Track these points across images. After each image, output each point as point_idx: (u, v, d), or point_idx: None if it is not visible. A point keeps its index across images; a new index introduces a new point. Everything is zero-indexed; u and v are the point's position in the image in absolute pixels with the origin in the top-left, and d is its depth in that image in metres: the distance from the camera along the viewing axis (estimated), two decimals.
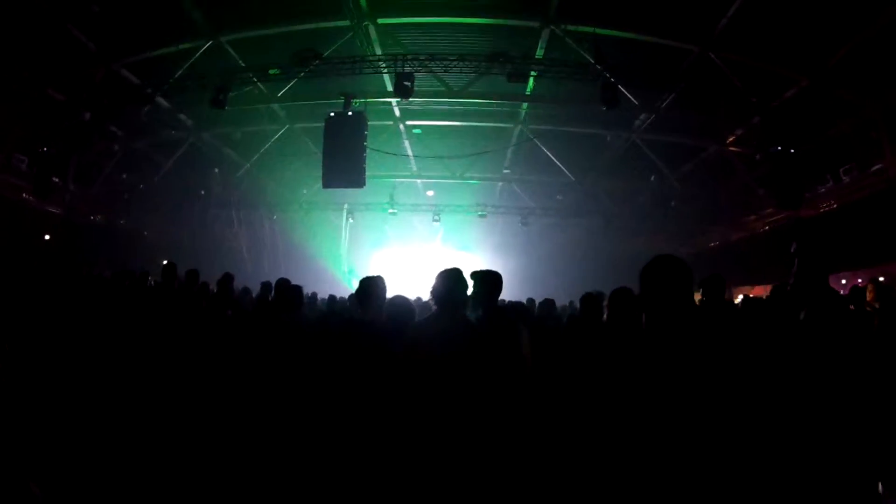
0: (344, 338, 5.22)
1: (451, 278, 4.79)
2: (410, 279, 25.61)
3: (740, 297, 13.80)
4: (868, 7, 13.38)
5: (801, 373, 4.43)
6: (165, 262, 8.57)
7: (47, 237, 19.82)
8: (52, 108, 18.50)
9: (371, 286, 5.46)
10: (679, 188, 24.75)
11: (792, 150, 17.05)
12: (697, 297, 7.80)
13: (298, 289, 7.41)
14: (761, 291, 17.64)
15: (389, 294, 5.63)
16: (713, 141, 21.46)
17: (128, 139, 22.62)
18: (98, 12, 15.35)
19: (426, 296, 5.46)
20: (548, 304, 10.31)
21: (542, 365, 5.15)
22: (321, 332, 5.70)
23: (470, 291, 4.99)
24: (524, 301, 12.08)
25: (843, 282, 15.62)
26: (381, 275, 5.58)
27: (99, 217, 23.88)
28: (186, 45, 17.28)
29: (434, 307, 4.74)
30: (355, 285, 5.76)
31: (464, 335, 4.57)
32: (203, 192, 27.51)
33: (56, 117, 18.75)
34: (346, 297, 11.65)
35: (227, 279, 9.76)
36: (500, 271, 5.40)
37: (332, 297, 12.35)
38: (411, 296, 6.44)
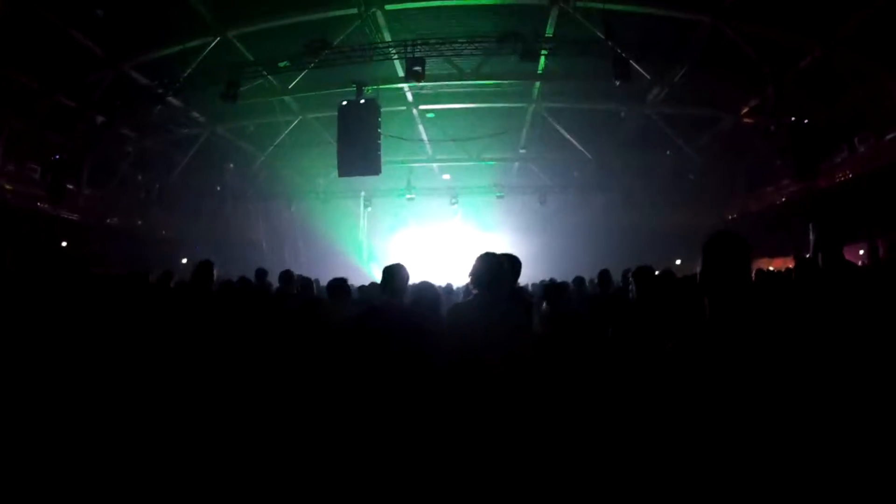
0: (376, 324, 5.26)
1: (489, 261, 4.85)
2: (431, 263, 25.69)
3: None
4: None
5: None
6: (201, 260, 8.60)
7: (64, 244, 19.93)
8: (63, 114, 18.63)
9: (395, 273, 5.51)
10: (696, 161, 24.66)
11: (806, 121, 16.95)
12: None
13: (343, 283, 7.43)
14: (780, 264, 17.59)
15: (413, 280, 5.69)
16: (728, 112, 21.34)
17: (141, 139, 22.78)
18: (103, 17, 15.47)
19: (451, 280, 5.56)
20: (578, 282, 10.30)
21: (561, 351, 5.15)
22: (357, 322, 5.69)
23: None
24: (544, 281, 12.11)
25: (861, 252, 15.52)
26: (402, 261, 5.63)
27: (115, 219, 23.96)
28: (194, 43, 17.36)
29: (473, 290, 4.82)
30: (376, 272, 5.86)
31: (506, 314, 4.61)
32: (219, 188, 27.67)
33: (67, 123, 18.91)
34: (368, 284, 11.63)
35: (261, 274, 9.87)
36: (519, 251, 5.48)
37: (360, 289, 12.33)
38: (435, 281, 6.49)
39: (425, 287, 5.66)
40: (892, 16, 13.88)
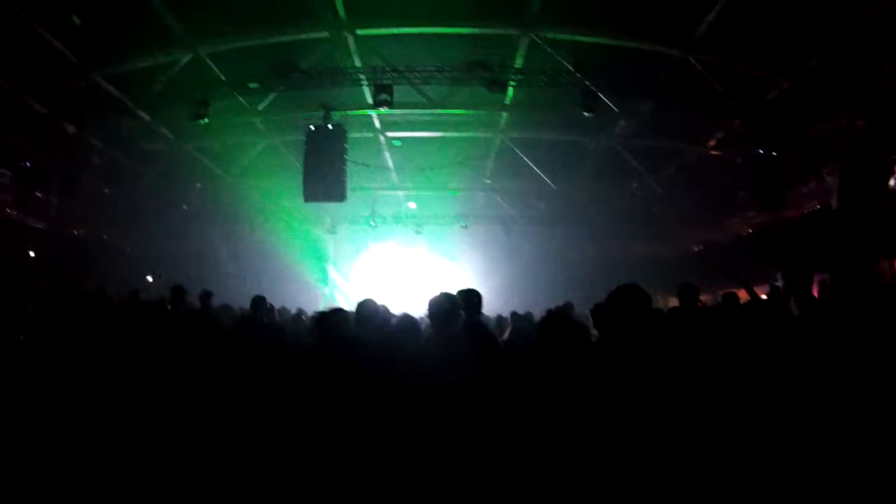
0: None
1: (441, 301, 5.06)
2: (394, 291, 25.57)
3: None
4: (848, 9, 13.45)
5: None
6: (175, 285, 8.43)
7: (32, 253, 19.62)
8: (33, 119, 18.31)
9: (368, 308, 5.58)
10: (661, 192, 24.84)
11: (773, 153, 17.13)
12: (674, 303, 7.91)
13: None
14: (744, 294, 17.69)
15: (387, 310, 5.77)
16: (694, 145, 21.54)
17: (109, 151, 22.47)
18: (78, 24, 15.30)
19: (411, 310, 5.61)
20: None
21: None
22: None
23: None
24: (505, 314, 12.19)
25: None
26: (365, 288, 5.74)
27: (82, 231, 23.59)
28: (166, 58, 17.21)
29: (430, 327, 4.98)
30: (338, 299, 5.92)
31: (456, 350, 4.77)
32: (185, 206, 27.40)
33: (38, 129, 18.62)
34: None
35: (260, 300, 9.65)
36: (483, 281, 5.59)
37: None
38: (399, 311, 6.55)
39: (407, 320, 5.77)
40: (858, 50, 14.12)
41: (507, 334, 10.31)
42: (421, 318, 7.32)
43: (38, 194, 19.86)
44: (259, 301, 9.41)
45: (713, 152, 21.21)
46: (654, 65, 17.02)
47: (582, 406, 3.66)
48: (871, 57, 14.16)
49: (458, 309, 5.07)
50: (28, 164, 18.84)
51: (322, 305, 25.94)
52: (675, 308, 8.14)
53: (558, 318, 5.26)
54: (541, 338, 4.93)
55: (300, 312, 14.26)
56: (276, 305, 12.27)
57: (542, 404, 4.09)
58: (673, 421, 3.18)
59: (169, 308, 9.50)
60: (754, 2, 14.02)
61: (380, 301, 6.03)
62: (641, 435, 3.17)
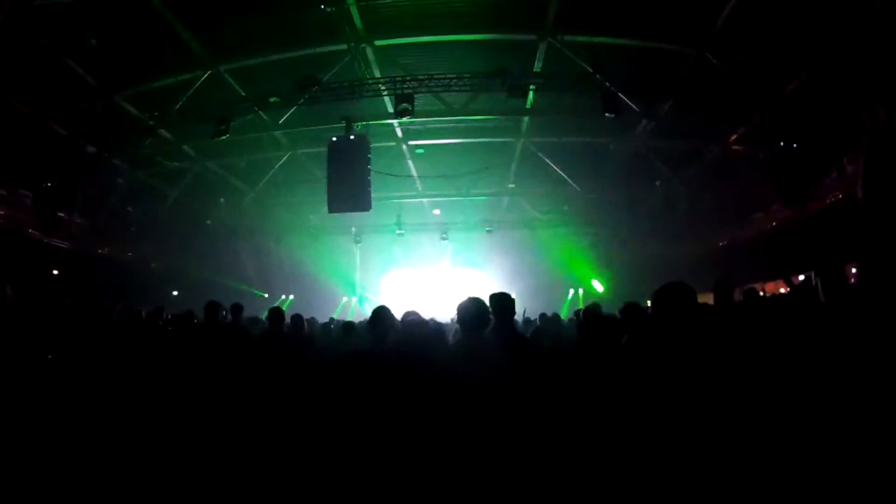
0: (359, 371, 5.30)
1: (471, 306, 5.01)
2: (422, 299, 25.64)
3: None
4: None
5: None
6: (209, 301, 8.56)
7: (55, 272, 19.85)
8: (54, 141, 18.60)
9: (382, 316, 5.60)
10: (685, 191, 24.74)
11: (794, 146, 17.03)
12: (709, 299, 7.86)
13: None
14: (772, 288, 17.60)
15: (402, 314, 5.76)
16: (716, 142, 21.45)
17: (132, 171, 22.76)
18: (96, 46, 15.53)
19: (439, 315, 5.64)
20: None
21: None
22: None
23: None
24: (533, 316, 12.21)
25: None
26: (391, 299, 5.75)
27: (106, 250, 23.88)
28: (186, 76, 17.42)
29: (460, 332, 4.93)
30: (368, 309, 5.96)
31: (488, 356, 4.74)
32: (209, 222, 27.64)
33: (59, 151, 18.90)
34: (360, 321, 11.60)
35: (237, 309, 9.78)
36: (508, 285, 5.59)
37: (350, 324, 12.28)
38: (427, 315, 6.55)
39: (415, 329, 5.74)
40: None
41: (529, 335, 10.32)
42: (452, 322, 7.38)
43: (61, 214, 20.06)
44: (275, 313, 9.46)
45: (735, 148, 21.08)
46: (672, 63, 16.99)
47: (628, 402, 3.68)
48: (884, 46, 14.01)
49: (486, 313, 5.05)
50: (50, 184, 19.05)
51: (350, 315, 26.13)
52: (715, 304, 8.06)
53: (600, 317, 5.31)
54: (583, 336, 4.99)
55: (331, 321, 14.43)
56: (306, 316, 12.36)
57: (585, 403, 4.14)
58: (725, 416, 3.21)
59: (197, 322, 9.59)
60: None
61: (406, 308, 6.05)
62: (686, 432, 3.17)
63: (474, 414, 4.35)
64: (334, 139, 18.44)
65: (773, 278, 18.31)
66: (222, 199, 27.20)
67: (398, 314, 6.16)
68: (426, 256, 32.75)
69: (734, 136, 20.70)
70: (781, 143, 17.22)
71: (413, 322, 5.93)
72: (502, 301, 5.79)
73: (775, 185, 18.69)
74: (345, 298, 31.95)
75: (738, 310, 8.06)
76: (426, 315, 6.99)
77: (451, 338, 7.46)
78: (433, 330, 6.40)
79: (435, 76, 16.88)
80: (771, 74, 16.69)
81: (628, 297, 6.40)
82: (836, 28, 14.46)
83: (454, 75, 16.85)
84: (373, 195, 19.04)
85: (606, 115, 16.28)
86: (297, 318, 10.34)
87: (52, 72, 16.11)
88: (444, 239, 29.00)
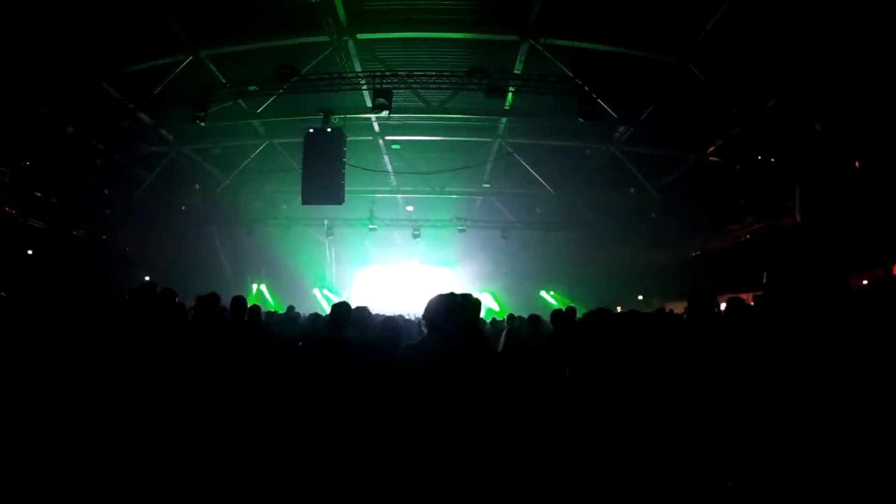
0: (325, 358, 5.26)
1: (441, 303, 4.89)
2: (391, 294, 25.64)
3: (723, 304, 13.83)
4: (846, 18, 13.43)
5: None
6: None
7: (30, 252, 19.62)
8: (34, 120, 18.32)
9: (343, 312, 5.57)
10: (660, 199, 24.85)
11: (772, 160, 17.13)
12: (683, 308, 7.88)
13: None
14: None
15: (374, 311, 5.73)
16: (693, 152, 21.55)
17: (109, 153, 22.48)
18: (80, 24, 15.31)
19: (407, 312, 5.60)
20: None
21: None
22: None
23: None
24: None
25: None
26: (363, 295, 5.72)
27: (81, 232, 23.71)
28: (167, 60, 17.23)
29: (425, 330, 4.85)
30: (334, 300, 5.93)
31: (456, 359, 4.63)
32: (184, 208, 27.43)
33: (38, 130, 18.64)
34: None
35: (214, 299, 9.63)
36: (479, 284, 5.54)
37: (315, 315, 12.22)
38: (394, 312, 6.55)
39: (390, 325, 5.71)
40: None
41: (503, 337, 10.33)
42: (417, 320, 7.33)
43: (38, 194, 19.83)
44: (238, 301, 9.33)
45: (712, 159, 21.20)
46: (653, 71, 17.04)
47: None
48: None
49: (453, 311, 4.99)
50: (28, 163, 18.79)
51: (318, 307, 26.01)
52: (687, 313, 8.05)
53: (601, 314, 5.29)
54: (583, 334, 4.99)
55: (290, 310, 14.40)
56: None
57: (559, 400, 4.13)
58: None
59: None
60: (753, 11, 14.02)
61: (376, 303, 6.05)
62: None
63: (429, 406, 4.31)
64: (311, 131, 18.33)
65: (743, 290, 18.43)
66: (197, 185, 26.97)
67: (374, 310, 6.15)
68: (397, 253, 32.74)
69: (712, 147, 20.81)
70: (759, 157, 17.32)
71: (366, 317, 5.92)
72: (467, 302, 5.74)
73: (751, 197, 18.82)
74: (315, 290, 31.85)
75: (719, 320, 8.08)
76: (394, 312, 6.99)
77: (417, 335, 7.42)
78: (391, 327, 6.34)
79: (415, 73, 16.86)
80: (752, 89, 16.78)
81: (597, 301, 6.37)
82: (818, 48, 14.55)
83: (434, 72, 16.81)
84: (347, 189, 18.94)
85: (581, 120, 16.33)
86: (254, 309, 10.22)
87: (33, 47, 15.82)
88: (417, 236, 28.93)
